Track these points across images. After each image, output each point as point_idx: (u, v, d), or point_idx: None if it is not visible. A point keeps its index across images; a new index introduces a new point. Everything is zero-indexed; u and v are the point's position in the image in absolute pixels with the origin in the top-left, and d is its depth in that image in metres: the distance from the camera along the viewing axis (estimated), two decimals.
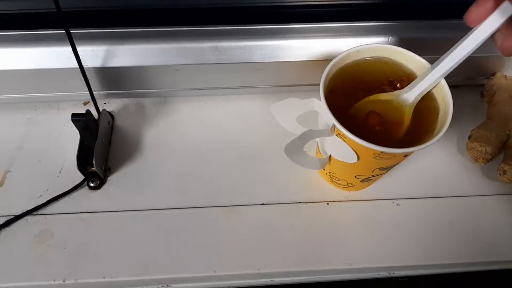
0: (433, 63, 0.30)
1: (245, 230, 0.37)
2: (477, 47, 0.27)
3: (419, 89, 0.30)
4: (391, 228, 0.38)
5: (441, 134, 0.27)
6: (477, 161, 0.41)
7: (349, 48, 0.32)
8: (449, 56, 0.28)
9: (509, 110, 0.41)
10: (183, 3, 0.39)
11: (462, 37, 0.28)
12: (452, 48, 0.28)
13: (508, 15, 0.25)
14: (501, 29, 0.25)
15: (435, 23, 0.40)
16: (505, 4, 0.24)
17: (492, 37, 0.26)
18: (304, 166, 0.33)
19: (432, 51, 0.31)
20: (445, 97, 0.30)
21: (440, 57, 0.29)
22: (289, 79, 0.42)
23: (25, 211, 0.38)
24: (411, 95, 0.30)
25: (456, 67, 0.30)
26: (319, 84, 0.30)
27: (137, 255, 0.36)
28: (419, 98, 0.30)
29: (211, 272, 0.35)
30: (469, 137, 0.41)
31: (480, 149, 0.40)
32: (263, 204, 0.39)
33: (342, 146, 0.29)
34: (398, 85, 0.32)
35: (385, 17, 0.40)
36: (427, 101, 0.31)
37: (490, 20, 0.25)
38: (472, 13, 0.26)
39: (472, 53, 0.27)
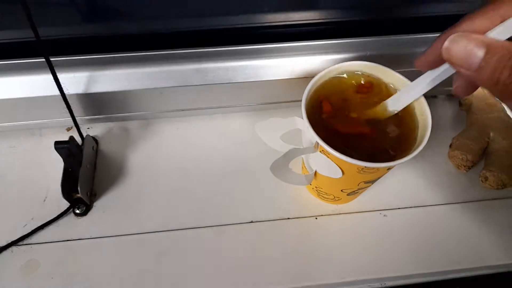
0: (408, 76, 0.31)
1: (234, 249, 0.37)
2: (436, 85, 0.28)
3: (404, 103, 0.30)
4: (380, 239, 0.38)
5: (420, 148, 0.28)
6: (459, 168, 0.41)
7: (327, 67, 0.32)
8: (426, 80, 0.29)
9: (487, 118, 0.42)
10: (164, 27, 0.39)
11: None
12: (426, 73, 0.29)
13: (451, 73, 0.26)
14: (458, 74, 0.27)
15: (411, 37, 0.41)
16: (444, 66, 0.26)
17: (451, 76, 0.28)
18: (291, 183, 0.33)
19: (409, 65, 0.32)
20: (424, 111, 0.30)
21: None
22: (273, 97, 0.43)
23: (10, 241, 0.37)
24: (396, 106, 0.31)
25: None
26: (301, 101, 0.30)
27: (127, 280, 0.35)
28: (400, 108, 0.31)
29: None
30: (450, 146, 0.42)
31: (461, 157, 0.40)
32: (251, 222, 0.39)
33: (327, 162, 0.30)
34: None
35: (364, 33, 0.41)
36: (408, 113, 0.32)
37: (439, 70, 0.27)
38: (421, 60, 0.28)
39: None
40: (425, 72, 0.28)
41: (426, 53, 0.27)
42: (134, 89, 0.38)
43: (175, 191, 0.40)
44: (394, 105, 0.31)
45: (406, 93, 0.30)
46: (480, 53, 0.21)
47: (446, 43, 0.23)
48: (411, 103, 0.31)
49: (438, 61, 0.27)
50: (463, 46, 0.22)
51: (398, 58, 0.38)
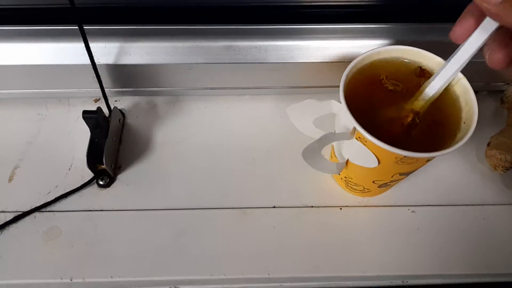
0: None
1: (255, 233, 0.37)
2: (467, 61, 0.27)
3: (437, 84, 0.29)
4: (405, 236, 0.37)
5: (466, 138, 0.27)
6: (496, 169, 0.39)
7: (369, 50, 0.31)
8: (455, 56, 0.28)
9: None
10: (198, 1, 0.38)
11: None
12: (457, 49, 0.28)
13: (490, 31, 0.25)
14: (487, 43, 0.26)
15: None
16: (486, 21, 0.25)
17: (481, 50, 0.27)
18: (321, 170, 0.32)
19: (447, 54, 0.30)
20: (469, 102, 0.29)
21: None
22: (304, 81, 0.41)
23: (33, 207, 0.37)
24: (430, 90, 0.29)
25: (475, 73, 0.29)
26: (333, 86, 0.29)
27: (145, 256, 0.35)
28: (438, 94, 0.29)
29: (220, 275, 0.35)
30: (488, 144, 0.40)
31: (499, 156, 0.38)
32: (274, 207, 0.38)
33: (362, 150, 0.28)
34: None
35: (401, 19, 0.39)
36: (451, 104, 0.30)
37: (473, 38, 0.26)
38: (456, 30, 0.27)
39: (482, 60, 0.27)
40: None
41: (459, 21, 0.27)
42: (163, 63, 0.38)
43: (199, 170, 0.40)
44: (432, 88, 0.29)
45: (442, 71, 0.29)
46: None
47: None
48: (455, 91, 0.30)
49: (473, 26, 0.26)
50: None
51: (435, 45, 0.36)
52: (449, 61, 0.28)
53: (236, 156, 0.41)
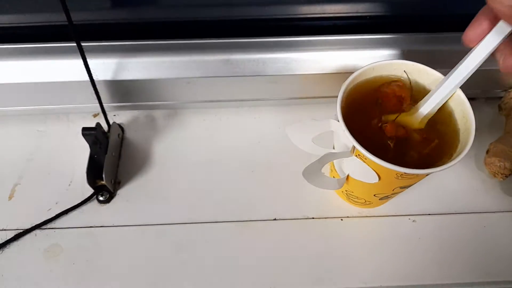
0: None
1: (257, 246, 0.37)
2: (478, 66, 0.27)
3: (434, 101, 0.29)
4: (407, 246, 0.37)
5: (462, 154, 0.27)
6: (495, 176, 0.39)
7: (364, 66, 0.31)
8: (456, 71, 0.28)
9: None
10: (194, 15, 0.38)
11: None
12: (458, 64, 0.28)
13: (504, 35, 0.25)
14: (500, 48, 0.26)
15: (449, 36, 0.39)
16: (500, 25, 0.25)
17: (493, 55, 0.26)
18: (323, 187, 0.32)
19: (446, 64, 0.30)
20: (466, 113, 0.29)
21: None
22: (302, 92, 0.41)
23: (34, 225, 0.37)
24: (426, 107, 0.29)
25: (473, 79, 0.29)
26: (331, 97, 0.29)
27: (146, 271, 0.35)
28: (435, 110, 0.29)
29: None
30: (487, 152, 0.40)
31: (498, 164, 0.38)
32: (275, 219, 0.38)
33: (362, 167, 0.28)
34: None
35: (399, 29, 0.39)
36: (447, 116, 0.30)
37: (486, 41, 0.26)
38: (469, 34, 0.26)
39: (480, 67, 0.27)
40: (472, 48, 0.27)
41: (472, 24, 0.26)
42: (161, 78, 0.38)
43: (199, 183, 0.40)
44: (427, 107, 0.29)
45: (437, 90, 0.29)
46: None
47: None
48: (449, 103, 0.30)
49: (486, 30, 0.26)
50: None
51: (437, 56, 0.37)
52: (448, 78, 0.28)
53: (236, 169, 0.41)
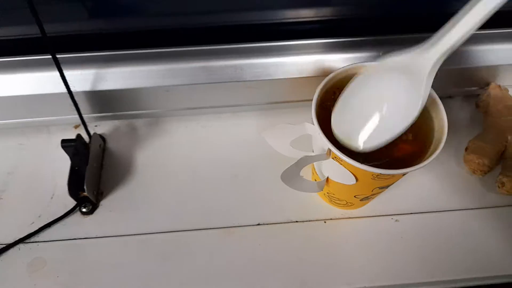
0: None
1: (241, 252, 0.37)
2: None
3: (445, 45, 0.25)
4: (390, 245, 0.37)
5: (436, 153, 0.27)
6: (474, 173, 0.40)
7: (337, 67, 0.31)
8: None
9: (505, 120, 0.40)
10: (171, 24, 0.38)
11: None
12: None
13: None
14: None
15: (424, 36, 0.40)
16: None
17: None
18: (303, 190, 0.32)
19: None
20: (439, 113, 0.29)
21: None
22: (282, 96, 0.42)
23: (17, 239, 0.37)
24: (434, 53, 0.25)
25: (450, 78, 0.29)
26: (311, 100, 0.29)
27: (131, 281, 0.35)
28: (441, 61, 0.26)
29: None
30: (466, 149, 0.41)
31: (477, 161, 0.39)
32: (259, 224, 0.38)
33: (339, 169, 0.29)
34: None
35: (375, 32, 0.39)
36: (422, 115, 0.30)
37: None
38: None
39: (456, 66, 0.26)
40: None
41: None
42: (140, 87, 0.38)
43: (182, 191, 0.40)
44: (437, 49, 0.26)
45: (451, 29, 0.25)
46: None
47: None
48: (426, 105, 0.30)
49: None
50: None
51: None
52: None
53: (219, 175, 0.41)
